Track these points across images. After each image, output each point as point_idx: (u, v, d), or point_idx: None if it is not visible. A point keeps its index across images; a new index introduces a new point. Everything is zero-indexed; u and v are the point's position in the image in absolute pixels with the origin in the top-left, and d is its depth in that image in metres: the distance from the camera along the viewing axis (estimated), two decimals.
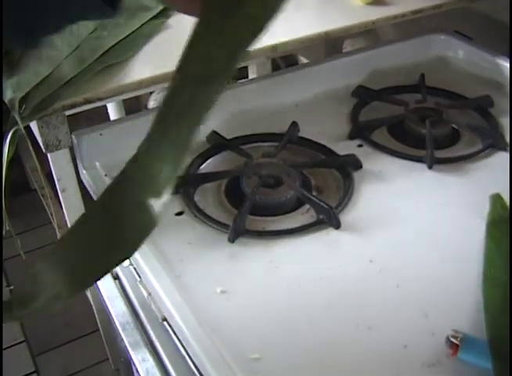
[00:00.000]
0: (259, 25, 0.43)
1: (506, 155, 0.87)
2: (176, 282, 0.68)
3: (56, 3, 0.53)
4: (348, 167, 0.84)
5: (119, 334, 0.84)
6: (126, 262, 0.81)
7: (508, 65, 1.01)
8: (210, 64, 0.42)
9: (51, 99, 0.92)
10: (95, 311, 1.41)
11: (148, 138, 0.40)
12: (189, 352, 0.64)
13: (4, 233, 1.01)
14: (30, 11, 0.53)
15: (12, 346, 1.68)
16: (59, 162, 1.03)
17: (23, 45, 0.67)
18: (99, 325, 1.45)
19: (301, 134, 0.92)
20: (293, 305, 0.66)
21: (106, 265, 0.43)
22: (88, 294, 1.42)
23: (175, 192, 0.81)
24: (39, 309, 0.47)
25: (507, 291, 0.64)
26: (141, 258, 0.72)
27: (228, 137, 0.90)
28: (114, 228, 0.41)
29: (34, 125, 0.98)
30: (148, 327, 0.80)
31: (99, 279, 0.42)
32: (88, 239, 0.45)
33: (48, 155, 1.01)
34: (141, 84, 0.96)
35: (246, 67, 1.52)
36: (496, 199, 0.77)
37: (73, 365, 1.65)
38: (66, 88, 0.94)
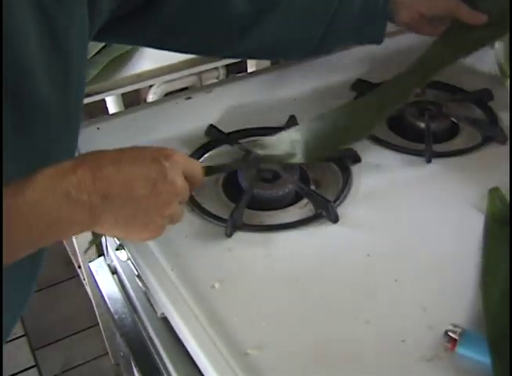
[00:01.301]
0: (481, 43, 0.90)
1: (505, 149, 0.86)
2: (173, 276, 0.68)
3: (343, 32, 0.87)
4: (347, 160, 0.84)
5: (118, 328, 0.84)
6: (124, 257, 0.81)
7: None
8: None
9: None
10: (94, 305, 1.41)
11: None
12: (186, 346, 0.64)
13: None
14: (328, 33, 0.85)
15: (12, 340, 1.69)
16: None
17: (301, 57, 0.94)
18: (99, 319, 1.45)
19: None
20: (290, 300, 0.66)
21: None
22: (88, 288, 1.42)
23: None
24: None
25: (506, 286, 0.64)
26: (138, 252, 0.72)
27: (226, 131, 0.90)
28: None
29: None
30: (146, 322, 0.80)
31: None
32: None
33: None
34: (139, 77, 0.95)
35: (245, 61, 1.51)
36: (495, 193, 0.77)
37: (72, 359, 1.65)
38: None
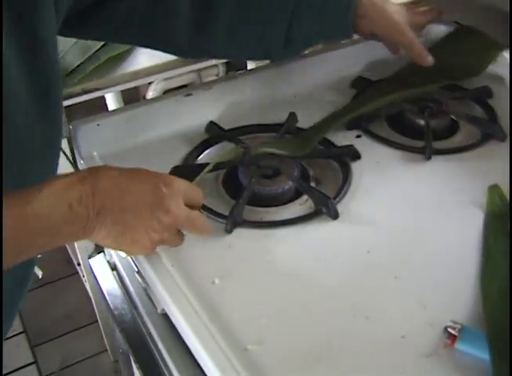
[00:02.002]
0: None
1: (505, 146, 0.87)
2: (173, 272, 0.68)
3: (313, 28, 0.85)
4: (347, 157, 0.84)
5: (117, 324, 0.84)
6: (123, 253, 0.81)
7: (508, 56, 1.01)
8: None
9: None
10: (93, 302, 1.41)
11: None
12: (186, 342, 0.64)
13: None
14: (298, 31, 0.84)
15: (10, 337, 1.68)
16: None
17: (282, 56, 0.92)
18: (98, 316, 1.45)
19: (299, 124, 0.91)
20: (290, 296, 0.66)
21: None
22: (87, 285, 1.42)
23: None
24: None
25: (505, 283, 0.64)
26: None
27: (226, 128, 0.90)
28: None
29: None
30: (146, 318, 0.80)
31: None
32: None
33: None
34: (138, 74, 0.95)
35: None
36: (494, 190, 0.77)
37: (71, 356, 1.65)
38: (72, 78, 0.94)
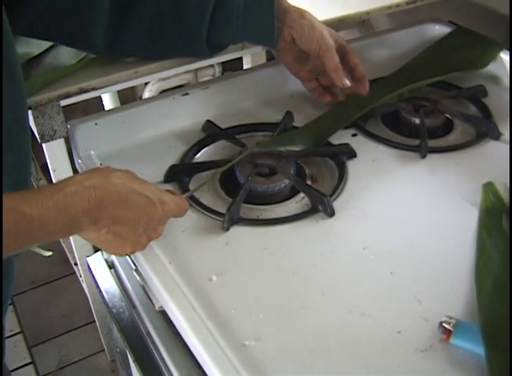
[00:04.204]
0: None
1: (499, 144, 0.87)
2: (171, 270, 0.68)
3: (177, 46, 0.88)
4: (342, 156, 0.84)
5: (115, 322, 0.84)
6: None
7: (505, 56, 1.02)
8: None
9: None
10: (90, 302, 1.41)
11: None
12: (184, 338, 0.64)
13: None
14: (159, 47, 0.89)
15: (8, 337, 1.68)
16: (54, 152, 1.03)
17: (208, 54, 0.91)
18: (95, 316, 1.45)
19: (295, 123, 0.92)
20: (287, 292, 0.66)
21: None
22: (84, 285, 1.43)
23: (171, 180, 0.82)
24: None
25: (499, 279, 0.65)
26: None
27: (223, 127, 0.91)
28: None
29: (29, 115, 0.98)
30: (144, 315, 0.80)
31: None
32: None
33: (44, 145, 1.01)
34: (136, 73, 0.95)
35: (241, 58, 1.52)
36: (489, 188, 0.78)
37: (69, 356, 1.65)
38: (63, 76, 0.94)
